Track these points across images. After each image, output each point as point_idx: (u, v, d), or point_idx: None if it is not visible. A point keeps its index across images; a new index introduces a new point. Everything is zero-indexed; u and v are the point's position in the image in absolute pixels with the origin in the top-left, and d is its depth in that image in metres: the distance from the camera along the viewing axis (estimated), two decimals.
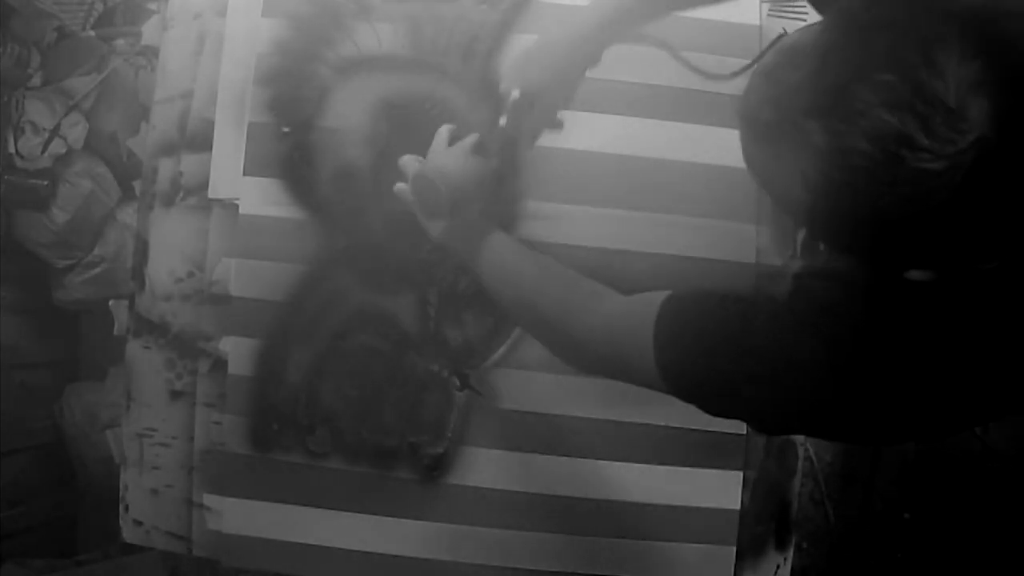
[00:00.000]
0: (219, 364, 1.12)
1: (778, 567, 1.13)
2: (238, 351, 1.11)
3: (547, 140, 1.08)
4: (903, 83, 0.56)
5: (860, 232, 0.62)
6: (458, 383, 1.11)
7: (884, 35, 0.58)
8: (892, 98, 0.56)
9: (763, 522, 1.13)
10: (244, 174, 1.11)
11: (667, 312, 0.77)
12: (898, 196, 0.57)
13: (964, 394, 0.70)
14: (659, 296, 0.79)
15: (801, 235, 0.94)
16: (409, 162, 1.02)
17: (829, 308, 0.71)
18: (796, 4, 1.13)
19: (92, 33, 1.92)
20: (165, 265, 1.15)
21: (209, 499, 1.13)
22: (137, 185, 1.64)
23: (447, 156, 0.97)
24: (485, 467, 1.10)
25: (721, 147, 1.09)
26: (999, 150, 0.56)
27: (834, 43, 0.60)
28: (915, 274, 0.66)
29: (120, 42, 1.93)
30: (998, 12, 0.61)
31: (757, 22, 1.12)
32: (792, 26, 1.13)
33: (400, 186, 1.03)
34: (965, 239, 0.60)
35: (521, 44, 1.11)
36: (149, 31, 1.90)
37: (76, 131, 1.84)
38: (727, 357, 0.73)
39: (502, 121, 0.92)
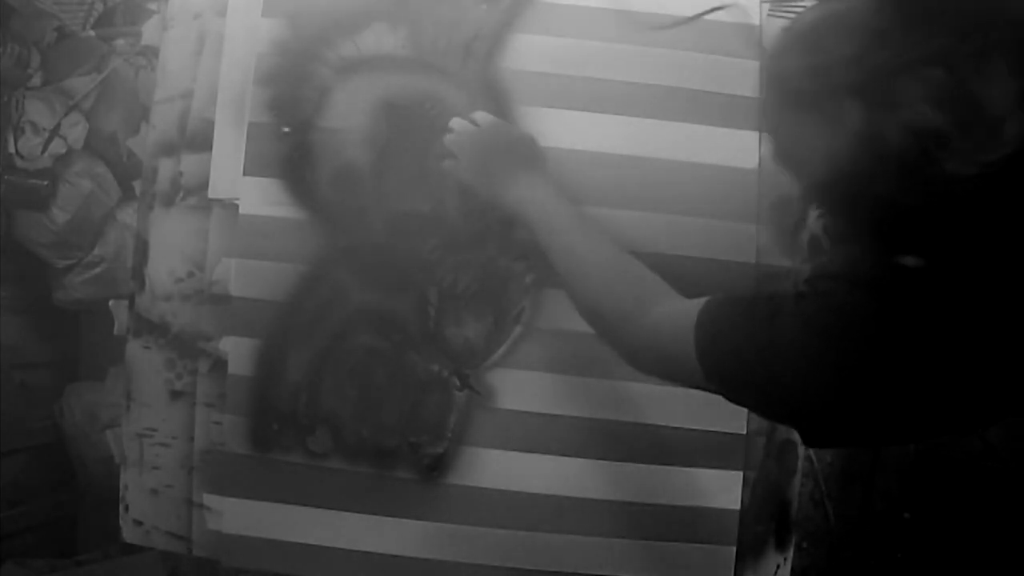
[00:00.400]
0: (219, 364, 1.12)
1: (778, 567, 1.13)
2: (238, 351, 1.11)
3: (547, 140, 1.08)
4: (953, 83, 0.55)
5: (871, 214, 0.62)
6: (458, 383, 1.11)
7: (942, 31, 0.57)
8: (939, 96, 0.55)
9: (763, 522, 1.13)
10: (244, 174, 1.11)
11: (704, 314, 0.78)
12: (921, 191, 0.57)
13: (972, 392, 0.70)
14: (701, 301, 0.80)
15: (807, 236, 0.94)
16: (460, 122, 1.04)
17: (841, 312, 0.70)
18: (796, 4, 1.13)
19: (92, 33, 1.93)
20: (165, 265, 1.15)
21: (209, 499, 1.13)
22: (137, 185, 1.64)
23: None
24: (485, 467, 1.10)
25: (721, 147, 1.09)
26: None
27: (889, 25, 0.58)
28: (909, 260, 0.65)
29: (120, 42, 1.94)
30: None
31: (757, 22, 1.12)
32: None
33: (449, 162, 1.04)
34: (976, 239, 0.60)
35: (521, 44, 1.11)
36: (149, 31, 1.89)
37: (76, 131, 1.85)
38: (755, 358, 0.74)
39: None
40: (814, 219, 0.91)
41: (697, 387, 0.81)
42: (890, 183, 0.58)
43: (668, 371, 0.86)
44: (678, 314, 0.81)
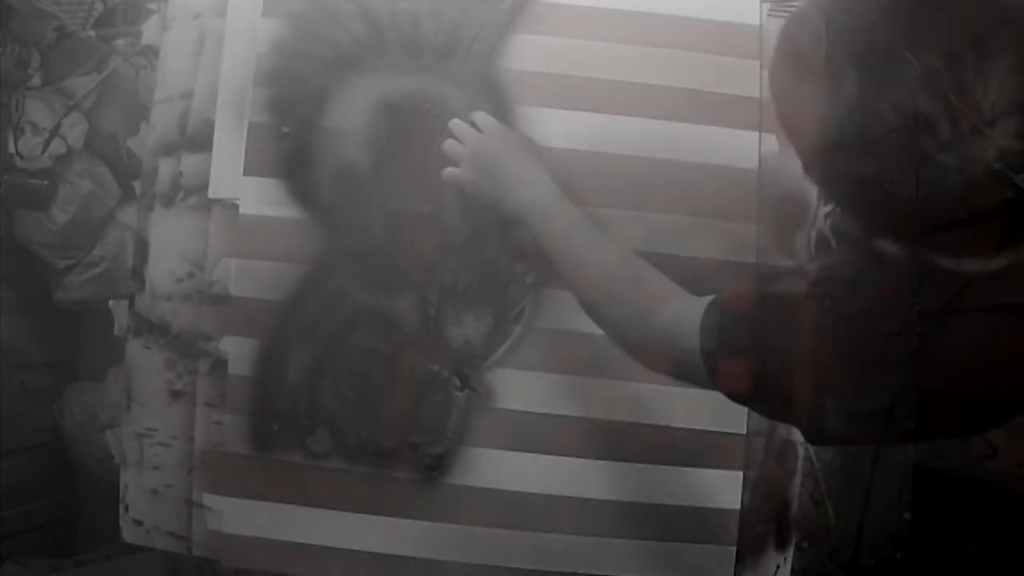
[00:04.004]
0: (219, 364, 1.12)
1: (778, 567, 1.13)
2: (238, 351, 1.11)
3: (547, 140, 1.08)
4: (948, 74, 0.55)
5: (851, 184, 0.62)
6: (458, 383, 1.11)
7: (948, 21, 0.57)
8: (933, 84, 0.55)
9: (763, 522, 1.13)
10: (244, 174, 1.11)
11: (708, 315, 0.79)
12: (901, 171, 0.57)
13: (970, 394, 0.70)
14: (706, 300, 0.81)
15: (814, 234, 0.94)
16: (459, 124, 1.03)
17: (849, 317, 0.71)
18: (796, 4, 1.13)
19: (92, 33, 1.92)
20: (165, 265, 1.14)
21: (209, 499, 1.13)
22: (137, 185, 1.64)
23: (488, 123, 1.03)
24: (485, 467, 1.10)
25: (721, 147, 1.09)
26: (1015, 167, 0.56)
27: (898, 6, 0.59)
28: (884, 245, 0.66)
29: (120, 42, 1.93)
30: None
31: (757, 22, 1.12)
32: None
33: (450, 170, 1.04)
34: (954, 231, 0.61)
35: (521, 44, 1.11)
36: (149, 31, 1.89)
37: (76, 131, 1.84)
38: (758, 359, 0.74)
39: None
40: (822, 217, 0.91)
41: (703, 386, 0.81)
42: (875, 159, 0.58)
43: (675, 370, 0.87)
44: (683, 314, 0.81)
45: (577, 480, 1.10)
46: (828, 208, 0.89)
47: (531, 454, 1.10)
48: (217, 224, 1.13)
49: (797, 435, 1.13)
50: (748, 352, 0.75)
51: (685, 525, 1.10)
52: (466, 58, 1.11)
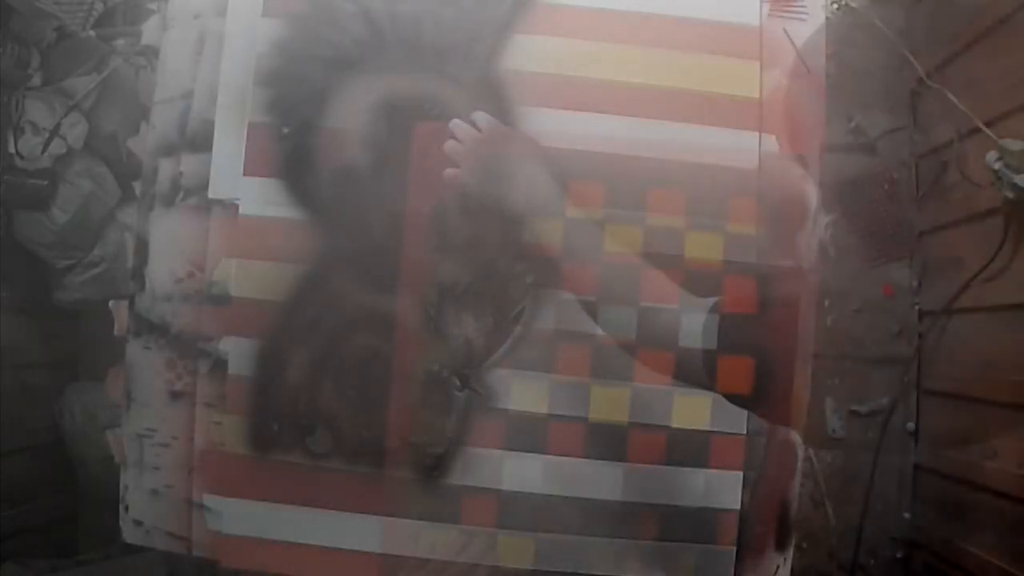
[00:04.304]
0: (219, 364, 1.12)
1: (778, 567, 1.13)
2: (238, 351, 1.11)
3: (547, 140, 1.08)
4: (947, 75, 0.55)
5: (853, 188, 0.63)
6: (458, 383, 1.11)
7: (947, 21, 0.57)
8: (933, 84, 0.55)
9: (763, 522, 1.13)
10: (244, 174, 1.11)
11: (710, 318, 0.79)
12: (901, 173, 0.58)
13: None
14: (708, 302, 0.81)
15: (815, 243, 0.95)
16: (459, 124, 1.04)
17: (846, 319, 0.71)
18: (796, 4, 1.13)
19: (92, 33, 1.92)
20: (165, 265, 1.15)
21: (209, 499, 1.13)
22: (137, 185, 1.64)
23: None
24: (485, 467, 1.10)
25: (721, 147, 1.09)
26: (1015, 167, 0.55)
27: (898, 8, 0.59)
28: (885, 247, 0.66)
29: (120, 42, 1.93)
30: None
31: (757, 22, 1.12)
32: (792, 26, 1.13)
33: (450, 170, 1.04)
34: (953, 232, 0.61)
35: (521, 44, 1.11)
36: (149, 31, 1.89)
37: (76, 131, 1.84)
38: (757, 361, 0.74)
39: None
40: (823, 227, 0.91)
41: (703, 386, 0.81)
42: (876, 162, 0.58)
43: (676, 370, 0.87)
44: (685, 315, 0.81)
45: (577, 480, 1.10)
46: (829, 218, 0.89)
47: (531, 454, 1.10)
48: (217, 224, 1.13)
49: (797, 436, 1.13)
50: (749, 353, 0.75)
51: (685, 525, 1.10)
52: (466, 59, 1.11)
